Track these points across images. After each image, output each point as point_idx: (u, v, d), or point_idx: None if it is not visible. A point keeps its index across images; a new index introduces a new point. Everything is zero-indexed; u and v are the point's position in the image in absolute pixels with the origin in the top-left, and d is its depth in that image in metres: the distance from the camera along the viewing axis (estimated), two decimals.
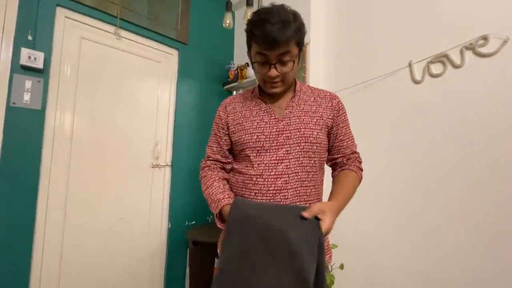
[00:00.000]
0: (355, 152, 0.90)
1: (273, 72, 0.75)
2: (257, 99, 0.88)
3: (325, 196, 0.89)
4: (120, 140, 1.77)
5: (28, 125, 1.41)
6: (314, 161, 0.81)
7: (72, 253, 1.54)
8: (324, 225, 0.64)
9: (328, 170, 0.93)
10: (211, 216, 2.19)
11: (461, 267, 1.16)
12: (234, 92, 2.33)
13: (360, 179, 0.87)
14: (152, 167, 1.92)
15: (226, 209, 0.75)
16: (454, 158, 1.21)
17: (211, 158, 0.91)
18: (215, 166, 0.91)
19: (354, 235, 1.50)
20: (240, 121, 0.85)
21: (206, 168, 0.91)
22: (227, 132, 0.88)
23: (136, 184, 1.83)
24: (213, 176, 0.87)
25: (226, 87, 2.33)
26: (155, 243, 1.91)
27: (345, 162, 0.89)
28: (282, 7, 0.73)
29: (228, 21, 1.94)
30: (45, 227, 1.46)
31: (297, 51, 0.77)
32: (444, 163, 1.24)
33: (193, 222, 2.09)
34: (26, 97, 1.40)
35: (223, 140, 0.89)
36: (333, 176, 0.90)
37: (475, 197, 1.15)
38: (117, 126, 1.75)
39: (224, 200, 0.77)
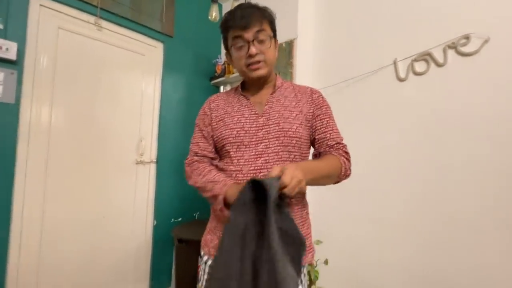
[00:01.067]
0: (340, 143, 0.84)
1: (252, 49, 0.78)
2: (239, 96, 0.88)
3: (310, 197, 0.89)
4: (102, 135, 1.71)
5: (1, 120, 1.34)
6: (294, 155, 0.80)
7: (51, 250, 1.49)
8: (284, 177, 0.61)
9: None
10: (197, 213, 2.17)
11: (444, 261, 1.19)
12: (221, 87, 2.29)
13: (341, 164, 0.79)
14: (137, 163, 1.87)
15: (231, 191, 0.72)
16: (435, 155, 1.24)
17: (198, 154, 0.88)
18: (205, 160, 0.87)
19: (338, 231, 1.52)
20: (222, 117, 0.85)
21: (195, 162, 0.87)
22: (210, 127, 0.86)
23: (119, 181, 1.79)
24: (207, 167, 0.84)
25: (213, 82, 2.28)
26: (140, 240, 1.87)
27: (329, 150, 0.83)
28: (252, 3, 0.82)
29: (214, 14, 1.90)
30: (22, 225, 1.40)
31: (271, 32, 0.82)
32: (425, 159, 1.27)
33: (179, 219, 2.06)
34: None
35: (209, 135, 0.87)
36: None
37: (455, 193, 1.18)
38: (98, 121, 1.68)
39: (226, 181, 0.75)
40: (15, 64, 1.37)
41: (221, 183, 0.76)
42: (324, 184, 0.82)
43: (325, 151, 0.84)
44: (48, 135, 1.49)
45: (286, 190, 0.62)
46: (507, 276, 1.03)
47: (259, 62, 0.80)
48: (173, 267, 1.91)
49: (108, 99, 1.73)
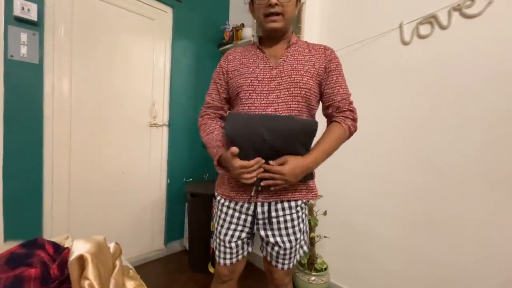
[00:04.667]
0: (346, 100, 0.91)
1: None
2: (255, 49, 0.96)
3: None
4: (118, 98, 1.81)
5: (28, 79, 1.44)
6: (302, 105, 0.88)
7: (79, 201, 1.68)
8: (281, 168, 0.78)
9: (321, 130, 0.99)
10: (207, 174, 2.33)
11: (435, 211, 1.32)
12: None
13: (346, 130, 0.90)
14: (150, 126, 1.99)
15: (224, 155, 0.85)
16: (439, 117, 1.31)
17: (210, 105, 1.00)
18: (214, 116, 1.00)
19: (337, 185, 1.66)
20: (238, 68, 0.93)
21: (206, 116, 1.00)
22: (226, 80, 0.96)
23: (135, 142, 1.92)
24: (212, 125, 0.97)
25: (221, 48, 2.32)
26: (155, 196, 2.05)
27: (334, 113, 0.92)
28: None
29: None
30: (53, 177, 1.56)
31: None
32: (429, 122, 1.34)
33: (190, 179, 2.23)
34: (23, 50, 1.41)
35: (223, 88, 0.97)
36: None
37: (448, 149, 1.28)
38: (113, 84, 1.78)
39: (220, 148, 0.88)
40: (36, 25, 1.44)
41: (215, 148, 0.88)
42: None
43: (332, 114, 0.93)
44: (70, 96, 1.60)
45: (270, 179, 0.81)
46: (494, 225, 1.16)
47: (277, 14, 0.85)
48: (186, 220, 2.10)
49: (122, 62, 1.81)
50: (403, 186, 1.42)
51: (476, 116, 1.20)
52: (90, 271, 0.50)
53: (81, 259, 0.51)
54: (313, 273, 1.59)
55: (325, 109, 0.96)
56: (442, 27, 1.29)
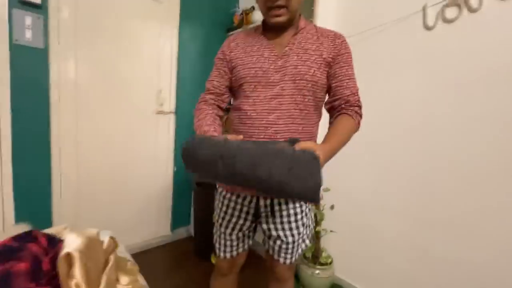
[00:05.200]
0: (355, 94, 0.84)
1: None
2: (260, 35, 0.88)
3: (320, 141, 0.93)
4: (124, 85, 1.79)
5: (33, 65, 1.43)
6: (308, 99, 0.82)
7: (87, 186, 1.70)
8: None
9: (325, 124, 0.91)
10: None
11: (448, 206, 1.25)
12: None
13: (356, 125, 0.83)
14: (157, 113, 1.97)
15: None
16: (462, 112, 1.20)
17: (211, 91, 0.94)
18: (212, 102, 0.94)
19: (345, 179, 1.59)
20: (241, 56, 0.86)
21: (203, 102, 0.94)
22: (229, 67, 0.89)
23: (142, 129, 1.91)
24: (207, 110, 0.90)
25: (230, 33, 2.23)
26: (162, 183, 2.06)
27: (343, 106, 0.84)
28: None
29: None
30: (60, 163, 1.58)
31: None
32: (451, 117, 1.23)
33: None
34: (28, 34, 1.39)
35: (226, 76, 0.91)
36: (330, 123, 0.89)
37: (476, 151, 1.18)
38: (119, 70, 1.75)
39: (210, 132, 0.81)
40: (40, 8, 1.41)
41: (206, 126, 0.82)
42: None
43: (339, 107, 0.84)
44: (75, 81, 1.58)
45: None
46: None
47: (280, 8, 0.77)
48: (192, 208, 2.11)
49: (128, 48, 1.77)
50: (415, 182, 1.34)
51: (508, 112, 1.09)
52: (77, 270, 0.48)
53: (68, 256, 0.50)
54: (318, 266, 1.57)
55: (331, 102, 0.88)
56: (472, 10, 1.16)
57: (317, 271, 1.56)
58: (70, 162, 1.62)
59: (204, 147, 0.65)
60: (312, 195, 0.58)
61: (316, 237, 1.58)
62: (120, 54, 1.74)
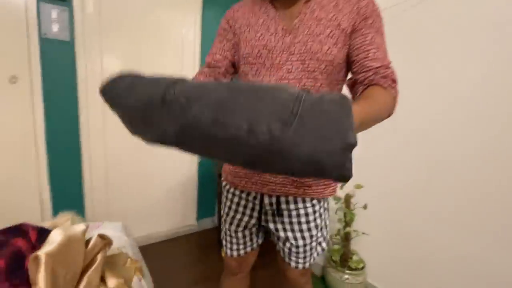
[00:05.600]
0: (387, 67, 0.61)
1: None
2: (267, 4, 0.72)
3: None
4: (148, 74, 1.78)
5: (61, 58, 1.48)
6: (321, 83, 0.66)
7: (115, 173, 1.76)
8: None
9: None
10: None
11: (485, 212, 0.99)
12: None
13: (392, 100, 0.59)
14: None
15: None
16: None
17: (210, 66, 0.78)
18: (209, 75, 0.78)
19: (381, 175, 1.37)
20: (244, 30, 0.72)
21: (198, 74, 0.79)
22: (235, 41, 0.75)
23: None
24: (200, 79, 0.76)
25: None
26: (187, 173, 2.06)
27: (371, 77, 0.60)
28: None
29: None
30: (90, 151, 1.65)
31: None
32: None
33: None
34: (55, 28, 1.43)
35: (232, 51, 0.76)
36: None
37: None
38: (144, 60, 1.75)
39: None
40: (64, 1, 1.44)
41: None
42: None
43: (366, 79, 0.61)
44: (101, 73, 1.61)
45: None
46: None
47: None
48: (216, 199, 2.08)
49: (151, 37, 1.75)
50: (473, 185, 1.08)
51: None
52: (41, 275, 0.44)
53: (36, 259, 0.46)
54: (347, 271, 1.41)
55: (353, 77, 0.66)
56: None
57: (346, 276, 1.40)
58: (99, 153, 1.68)
59: (137, 89, 0.41)
60: (337, 164, 0.32)
61: (346, 239, 1.41)
62: (144, 44, 1.73)
